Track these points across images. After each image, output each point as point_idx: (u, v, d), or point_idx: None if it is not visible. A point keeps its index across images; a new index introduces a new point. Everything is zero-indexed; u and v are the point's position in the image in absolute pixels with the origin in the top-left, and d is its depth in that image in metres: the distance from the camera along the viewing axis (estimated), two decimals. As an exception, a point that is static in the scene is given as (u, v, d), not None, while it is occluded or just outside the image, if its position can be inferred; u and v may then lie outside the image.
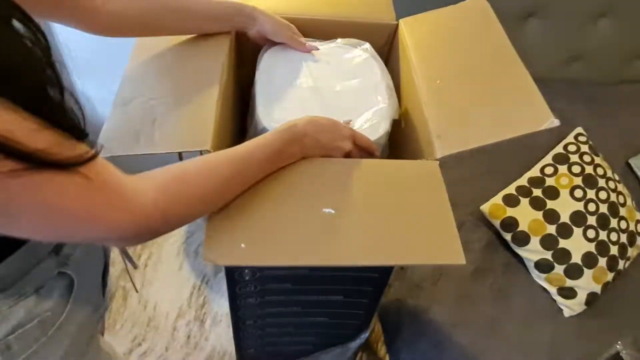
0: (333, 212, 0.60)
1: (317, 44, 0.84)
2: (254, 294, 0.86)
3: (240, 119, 0.88)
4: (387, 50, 0.89)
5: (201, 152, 0.61)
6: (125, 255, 0.80)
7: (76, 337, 0.58)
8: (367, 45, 0.84)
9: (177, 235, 1.61)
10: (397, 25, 0.87)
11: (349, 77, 0.80)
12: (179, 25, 0.74)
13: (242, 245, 0.57)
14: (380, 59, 0.83)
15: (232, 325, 0.98)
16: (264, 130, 0.70)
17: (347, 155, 0.68)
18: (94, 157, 0.40)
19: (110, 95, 0.71)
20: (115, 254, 0.86)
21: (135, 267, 0.82)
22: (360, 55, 0.83)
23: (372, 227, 0.60)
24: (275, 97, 0.75)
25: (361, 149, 0.70)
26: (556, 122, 0.61)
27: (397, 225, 0.61)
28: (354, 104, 0.75)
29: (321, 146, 0.65)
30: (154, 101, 0.65)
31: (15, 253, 0.49)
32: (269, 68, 0.80)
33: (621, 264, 1.15)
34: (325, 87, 0.78)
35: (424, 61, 0.76)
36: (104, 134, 0.62)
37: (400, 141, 0.82)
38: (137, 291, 1.40)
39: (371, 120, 0.73)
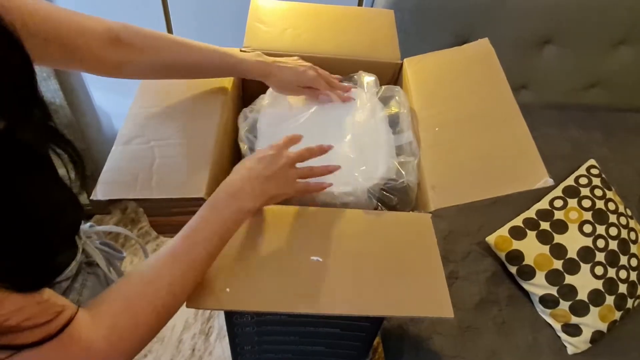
0: (320, 260, 0.61)
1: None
2: (251, 323, 0.87)
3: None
4: (391, 89, 0.89)
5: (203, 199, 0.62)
6: None
7: None
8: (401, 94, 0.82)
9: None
10: (401, 65, 0.87)
11: (352, 120, 0.80)
12: (187, 77, 0.75)
13: (227, 289, 0.58)
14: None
15: (230, 349, 0.99)
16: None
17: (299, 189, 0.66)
18: (68, 323, 0.41)
19: (127, 111, 0.73)
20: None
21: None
22: (368, 110, 0.82)
23: (361, 277, 0.60)
24: (273, 137, 0.75)
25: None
26: (550, 182, 0.61)
27: (386, 275, 0.61)
28: (354, 148, 0.75)
29: (263, 195, 0.61)
30: (154, 142, 0.67)
31: None
32: (271, 112, 0.81)
33: (630, 303, 1.12)
34: (326, 128, 0.78)
35: (424, 106, 0.76)
36: (104, 174, 0.63)
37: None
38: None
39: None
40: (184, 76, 0.74)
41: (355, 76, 0.86)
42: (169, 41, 0.69)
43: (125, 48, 0.64)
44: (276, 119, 0.79)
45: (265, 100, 0.82)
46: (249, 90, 0.88)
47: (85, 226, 0.64)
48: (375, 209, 0.72)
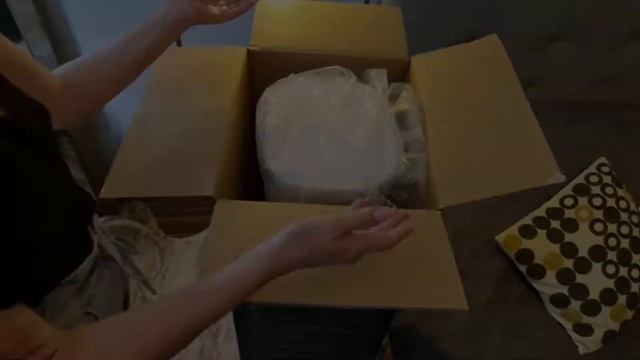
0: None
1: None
2: (259, 323, 0.87)
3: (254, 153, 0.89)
4: (399, 87, 0.88)
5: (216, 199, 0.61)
6: (145, 284, 0.82)
7: None
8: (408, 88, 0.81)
9: (193, 249, 1.64)
10: (409, 62, 0.86)
11: (359, 117, 0.79)
12: (126, 60, 0.67)
13: None
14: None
15: (238, 349, 0.99)
16: (268, 171, 0.70)
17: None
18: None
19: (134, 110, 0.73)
20: (134, 286, 0.88)
21: (154, 293, 0.84)
22: (372, 97, 0.81)
23: (372, 270, 0.60)
24: (280, 135, 0.75)
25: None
26: (562, 178, 0.60)
27: (398, 269, 0.61)
28: (362, 144, 0.74)
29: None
30: (162, 141, 0.67)
31: (45, 297, 0.50)
32: (273, 105, 0.80)
33: (642, 302, 1.11)
34: (333, 125, 0.77)
35: (432, 103, 0.76)
36: (112, 174, 0.63)
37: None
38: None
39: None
40: (125, 70, 0.68)
41: (364, 75, 0.85)
42: (95, 54, 0.65)
43: (70, 80, 0.62)
44: (283, 115, 0.79)
45: (272, 96, 0.82)
46: (258, 88, 0.88)
47: (99, 221, 0.64)
48: (385, 205, 0.71)
